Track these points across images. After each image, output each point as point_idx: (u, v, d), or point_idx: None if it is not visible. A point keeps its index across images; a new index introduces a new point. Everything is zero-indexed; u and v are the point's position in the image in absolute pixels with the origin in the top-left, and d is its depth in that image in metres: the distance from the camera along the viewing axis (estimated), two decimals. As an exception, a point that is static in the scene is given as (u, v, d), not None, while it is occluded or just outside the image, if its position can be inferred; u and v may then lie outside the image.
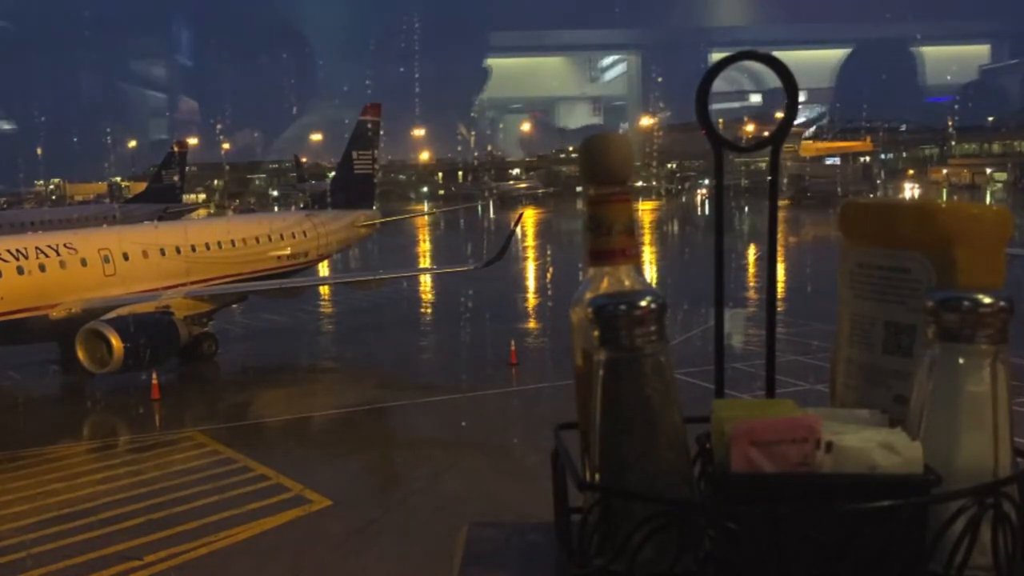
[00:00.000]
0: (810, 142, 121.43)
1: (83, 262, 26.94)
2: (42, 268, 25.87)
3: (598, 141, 1.65)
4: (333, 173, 51.60)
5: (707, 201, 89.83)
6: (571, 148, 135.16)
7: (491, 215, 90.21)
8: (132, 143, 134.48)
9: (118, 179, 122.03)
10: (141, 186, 76.97)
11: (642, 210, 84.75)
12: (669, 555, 1.37)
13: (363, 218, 40.21)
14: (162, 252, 29.57)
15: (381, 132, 44.17)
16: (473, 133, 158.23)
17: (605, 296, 1.49)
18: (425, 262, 55.54)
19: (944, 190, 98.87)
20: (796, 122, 1.82)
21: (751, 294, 31.30)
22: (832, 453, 1.37)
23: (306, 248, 35.36)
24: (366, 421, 22.35)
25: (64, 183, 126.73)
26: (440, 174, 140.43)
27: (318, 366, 29.01)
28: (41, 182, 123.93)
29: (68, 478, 18.49)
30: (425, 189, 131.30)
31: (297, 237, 35.02)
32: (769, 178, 1.83)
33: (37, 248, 26.30)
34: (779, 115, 1.82)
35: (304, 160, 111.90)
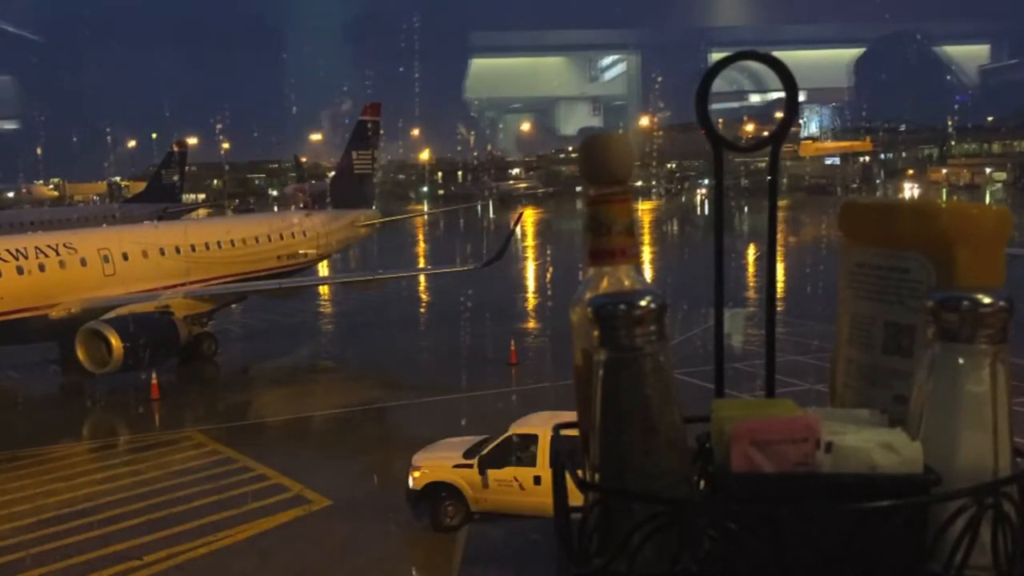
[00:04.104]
0: (810, 142, 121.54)
1: (83, 262, 26.93)
2: (42, 268, 25.86)
3: (598, 141, 1.65)
4: (333, 173, 51.58)
5: (706, 201, 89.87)
6: (571, 148, 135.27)
7: (491, 215, 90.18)
8: (132, 143, 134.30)
9: (118, 179, 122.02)
10: (141, 186, 76.90)
11: (642, 210, 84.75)
12: (669, 555, 1.37)
13: (363, 218, 40.21)
14: (162, 252, 29.57)
15: (381, 132, 44.19)
16: (473, 133, 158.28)
17: (605, 296, 1.49)
18: (424, 262, 55.55)
19: (944, 190, 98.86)
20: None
21: (751, 294, 31.29)
22: (832, 453, 1.37)
23: (306, 248, 35.36)
24: (366, 421, 22.36)
25: (64, 183, 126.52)
26: (440, 174, 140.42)
27: (318, 366, 29.01)
28: (41, 182, 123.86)
29: (68, 478, 18.49)
30: (425, 189, 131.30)
31: (297, 237, 35.02)
32: (769, 178, 1.83)
33: (37, 248, 26.30)
34: (779, 115, 1.82)
35: (304, 160, 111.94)
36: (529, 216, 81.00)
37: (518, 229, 49.10)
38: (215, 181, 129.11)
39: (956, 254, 1.55)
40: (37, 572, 14.07)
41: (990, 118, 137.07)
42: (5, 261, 25.13)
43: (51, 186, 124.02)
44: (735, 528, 1.34)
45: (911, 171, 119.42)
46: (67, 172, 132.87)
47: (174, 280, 28.59)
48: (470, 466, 15.40)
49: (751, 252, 39.14)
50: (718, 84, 1.75)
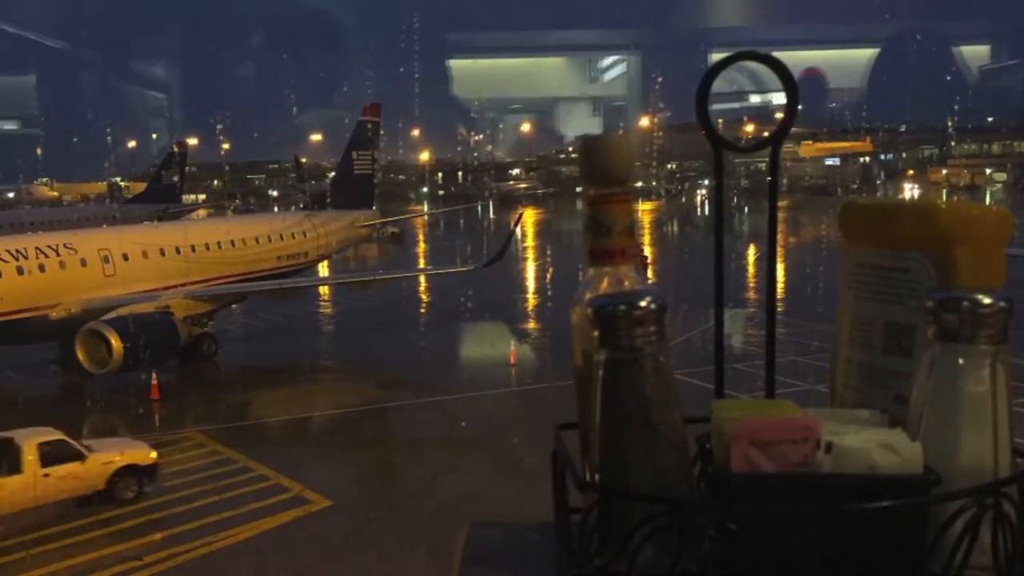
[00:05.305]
0: (810, 142, 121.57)
1: (83, 262, 26.93)
2: (42, 268, 25.86)
3: (598, 141, 1.65)
4: (333, 173, 51.61)
5: (706, 202, 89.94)
6: (571, 149, 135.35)
7: (491, 215, 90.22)
8: (132, 143, 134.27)
9: (118, 179, 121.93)
10: (141, 186, 76.89)
11: (642, 211, 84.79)
12: (669, 555, 1.37)
13: (363, 218, 40.24)
14: (162, 252, 29.56)
15: (381, 132, 44.21)
16: (473, 133, 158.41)
17: (605, 296, 1.49)
18: (425, 263, 55.58)
19: (944, 191, 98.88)
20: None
21: (751, 294, 31.29)
22: (832, 453, 1.37)
23: (306, 248, 35.36)
24: (366, 421, 22.36)
25: (52, 182, 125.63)
26: (440, 174, 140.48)
27: (318, 366, 29.01)
28: (39, 181, 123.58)
29: (68, 478, 18.46)
30: (425, 189, 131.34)
31: (297, 237, 35.02)
32: (769, 178, 1.83)
33: (37, 248, 26.29)
34: (779, 116, 1.82)
35: (304, 160, 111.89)
36: (529, 216, 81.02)
37: (518, 230, 49.15)
38: (215, 182, 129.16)
39: (956, 254, 1.55)
40: (37, 572, 14.07)
41: (990, 119, 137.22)
42: (5, 261, 25.13)
43: (46, 186, 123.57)
44: (735, 528, 1.34)
45: (911, 172, 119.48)
46: (67, 173, 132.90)
47: (174, 280, 28.59)
48: None
49: (751, 253, 39.15)
50: (718, 84, 1.76)
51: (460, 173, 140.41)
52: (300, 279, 34.33)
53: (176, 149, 66.55)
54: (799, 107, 1.81)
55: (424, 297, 39.84)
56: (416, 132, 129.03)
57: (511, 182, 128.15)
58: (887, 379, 1.64)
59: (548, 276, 45.77)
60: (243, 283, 31.16)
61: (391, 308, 35.62)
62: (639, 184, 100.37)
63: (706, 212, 79.82)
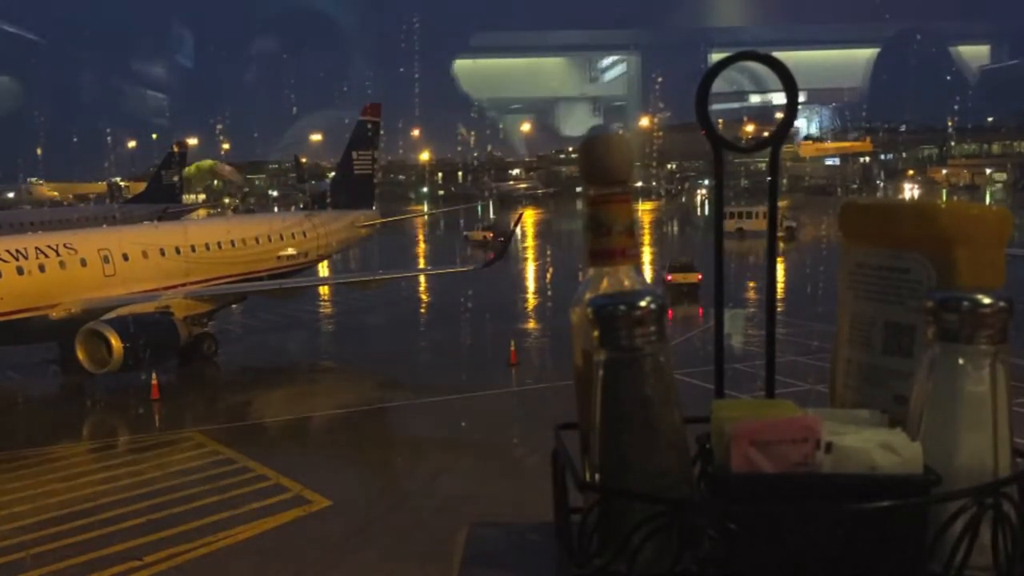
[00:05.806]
0: (810, 142, 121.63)
1: (83, 262, 26.92)
2: (42, 268, 25.85)
3: (598, 141, 1.65)
4: (333, 173, 51.61)
5: (706, 202, 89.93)
6: (571, 148, 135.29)
7: (491, 215, 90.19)
8: (132, 143, 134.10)
9: (118, 179, 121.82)
10: (141, 186, 76.85)
11: (641, 211, 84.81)
12: (669, 555, 1.37)
13: (363, 218, 40.22)
14: (162, 252, 29.55)
15: (381, 132, 44.21)
16: (473, 133, 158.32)
17: (605, 296, 1.49)
18: (425, 263, 55.57)
19: (944, 191, 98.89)
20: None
21: (751, 295, 31.27)
22: (832, 453, 1.37)
23: (306, 248, 35.35)
24: (366, 421, 22.35)
25: (45, 182, 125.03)
26: (440, 174, 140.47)
27: (318, 366, 29.00)
28: (36, 180, 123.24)
29: (68, 478, 18.48)
30: (425, 189, 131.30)
31: (297, 237, 35.02)
32: (769, 179, 1.83)
33: (37, 248, 26.27)
34: (779, 116, 1.82)
35: (304, 160, 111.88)
36: (529, 216, 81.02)
37: (518, 230, 49.15)
38: (215, 182, 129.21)
39: (956, 254, 1.55)
40: (37, 572, 14.05)
41: (990, 119, 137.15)
42: (5, 261, 25.11)
43: (41, 185, 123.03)
44: (735, 528, 1.34)
45: (911, 171, 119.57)
46: (67, 173, 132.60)
47: (174, 280, 28.58)
48: None
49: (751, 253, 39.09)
50: (718, 84, 1.76)
51: (460, 173, 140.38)
52: (300, 279, 34.32)
53: (176, 149, 66.48)
54: (799, 107, 1.81)
55: (424, 297, 39.84)
56: (416, 132, 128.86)
57: (511, 182, 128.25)
58: (887, 379, 1.64)
59: (548, 276, 45.75)
60: (243, 283, 31.16)
61: (391, 308, 35.63)
62: (639, 184, 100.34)
63: (706, 212, 79.80)
